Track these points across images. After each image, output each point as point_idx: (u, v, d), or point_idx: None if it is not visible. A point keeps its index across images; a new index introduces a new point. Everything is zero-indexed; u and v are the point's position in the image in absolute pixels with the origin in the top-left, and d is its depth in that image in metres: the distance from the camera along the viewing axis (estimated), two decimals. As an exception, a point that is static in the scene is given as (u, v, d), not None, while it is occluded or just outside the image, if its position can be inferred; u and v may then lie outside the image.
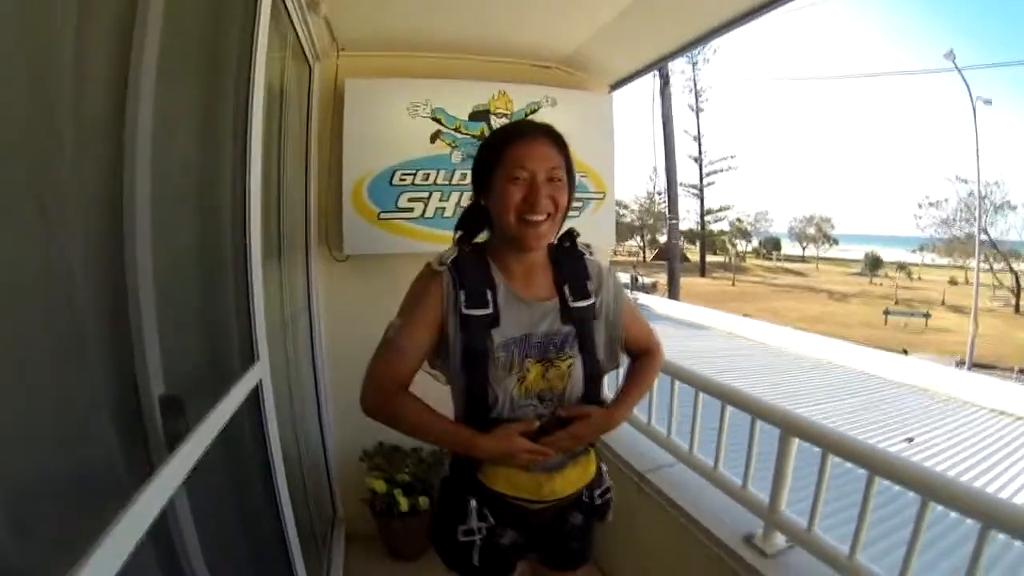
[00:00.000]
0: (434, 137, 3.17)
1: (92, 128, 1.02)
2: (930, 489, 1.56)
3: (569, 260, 1.64)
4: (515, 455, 1.50)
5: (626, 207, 52.35)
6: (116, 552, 0.78)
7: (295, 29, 2.50)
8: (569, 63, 3.50)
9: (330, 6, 2.58)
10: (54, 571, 0.70)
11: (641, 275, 29.75)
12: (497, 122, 3.24)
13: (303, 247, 3.14)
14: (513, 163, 1.44)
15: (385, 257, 3.15)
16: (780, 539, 2.08)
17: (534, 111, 3.33)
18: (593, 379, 1.60)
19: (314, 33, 2.78)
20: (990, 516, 1.43)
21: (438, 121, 3.16)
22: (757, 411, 2.15)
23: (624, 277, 26.47)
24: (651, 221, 50.96)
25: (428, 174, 3.17)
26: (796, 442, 2.01)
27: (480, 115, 3.24)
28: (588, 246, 1.69)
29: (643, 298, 12.88)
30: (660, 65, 3.39)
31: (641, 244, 55.52)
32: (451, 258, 1.51)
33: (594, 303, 1.61)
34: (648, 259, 52.27)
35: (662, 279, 29.23)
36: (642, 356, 1.79)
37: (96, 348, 1.02)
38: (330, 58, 3.14)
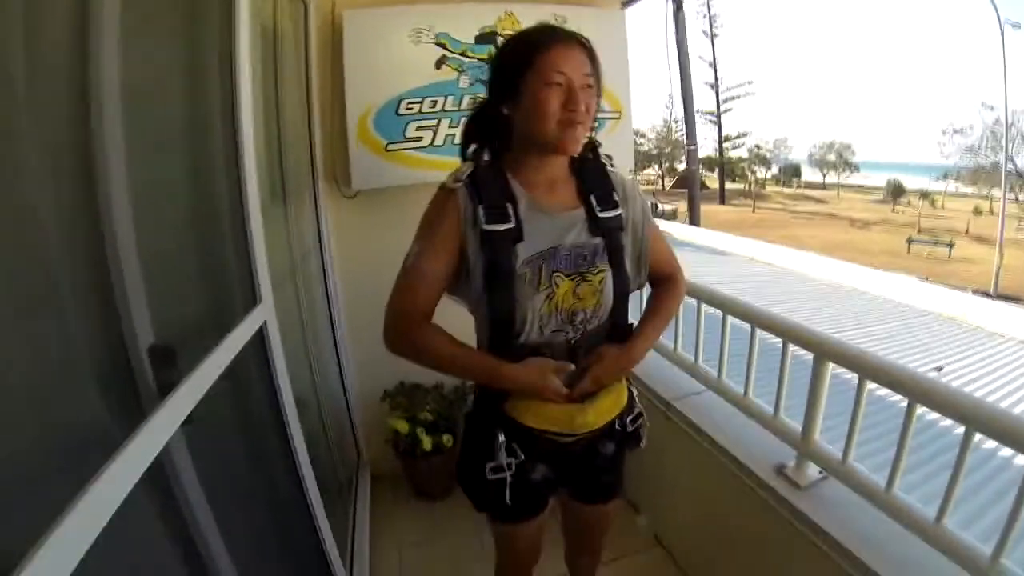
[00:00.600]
0: (439, 63, 3.02)
1: (57, 64, 0.96)
2: (974, 420, 1.46)
3: (593, 171, 1.55)
4: (545, 391, 1.43)
5: (643, 135, 51.81)
6: (105, 502, 0.75)
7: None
8: (578, -24, 3.30)
9: None
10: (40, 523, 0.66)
11: (661, 202, 29.47)
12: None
13: (310, 186, 3.06)
14: (551, 67, 1.34)
15: (396, 189, 3.04)
16: (813, 470, 2.01)
17: (543, 30, 3.14)
18: (622, 296, 1.53)
19: None
20: None
21: (443, 46, 3.01)
22: (789, 335, 2.05)
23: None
24: (668, 149, 50.39)
25: (435, 101, 3.05)
26: (831, 367, 1.91)
27: (487, 37, 3.08)
28: (610, 157, 1.60)
29: (663, 225, 12.78)
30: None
31: (660, 172, 55.00)
32: (467, 173, 1.42)
33: (621, 214, 1.52)
34: (667, 187, 51.81)
35: (682, 206, 28.92)
36: (664, 282, 1.70)
37: (74, 298, 0.97)
38: (325, -9, 2.99)
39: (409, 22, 2.98)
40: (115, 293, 1.01)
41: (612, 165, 1.58)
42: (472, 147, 1.51)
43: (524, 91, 1.36)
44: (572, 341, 1.48)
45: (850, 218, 42.81)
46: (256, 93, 1.92)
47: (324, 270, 3.16)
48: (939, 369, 4.34)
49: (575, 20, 3.17)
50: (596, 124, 3.02)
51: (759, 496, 2.07)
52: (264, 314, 1.62)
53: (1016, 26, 24.89)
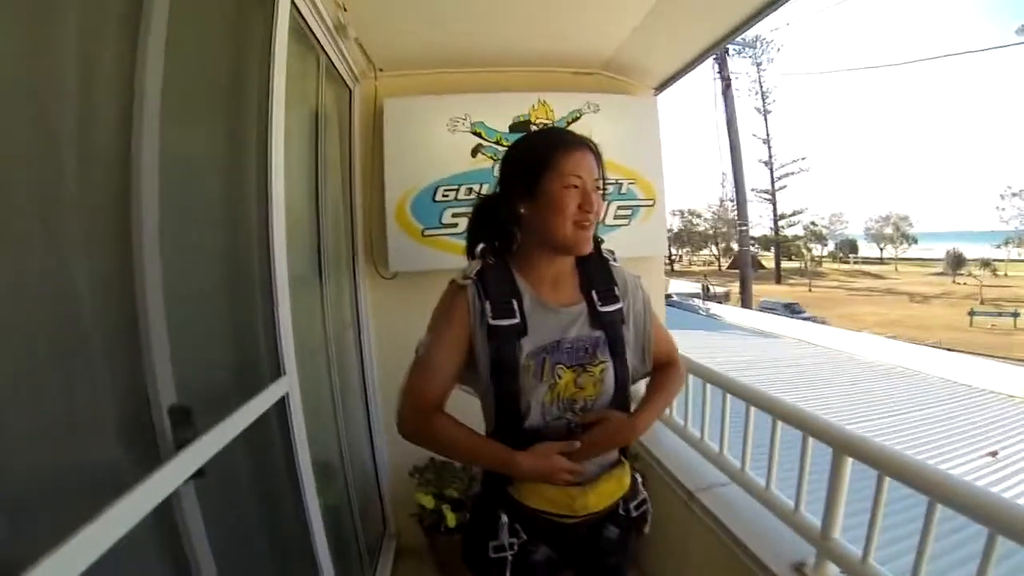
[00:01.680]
0: (475, 151, 3.17)
1: (103, 141, 1.08)
2: (998, 521, 1.41)
3: (595, 266, 1.62)
4: (555, 474, 1.48)
5: (699, 215, 51.86)
6: (103, 536, 0.82)
7: (327, 53, 2.56)
8: (609, 67, 3.46)
9: (359, 30, 2.64)
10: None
11: (713, 284, 29.22)
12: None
13: (349, 265, 3.20)
14: (569, 170, 1.44)
15: (432, 273, 3.10)
16: (832, 570, 1.95)
17: (576, 119, 3.30)
18: (623, 385, 1.58)
19: (349, 57, 2.85)
20: None
21: (478, 135, 3.17)
22: (808, 427, 2.04)
23: (696, 287, 26.13)
24: (724, 229, 50.13)
25: (471, 188, 3.18)
26: (850, 462, 1.88)
27: (521, 126, 3.22)
28: (612, 252, 1.67)
29: (714, 308, 12.70)
30: (700, 61, 3.30)
31: (716, 253, 54.72)
32: (475, 271, 1.51)
33: (622, 307, 1.59)
34: (723, 267, 51.45)
35: (735, 288, 28.63)
36: (665, 367, 1.75)
37: (104, 358, 1.08)
38: (369, 79, 3.20)
39: (446, 111, 3.15)
40: (143, 354, 1.11)
41: (615, 260, 1.66)
42: (480, 246, 1.60)
43: (542, 191, 1.45)
44: (573, 426, 1.53)
45: (909, 292, 41.86)
46: (296, 174, 2.05)
47: (360, 346, 3.26)
48: (994, 454, 4.17)
49: (608, 108, 3.30)
50: (629, 212, 3.10)
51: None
52: (286, 386, 1.71)
53: None
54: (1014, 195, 36.74)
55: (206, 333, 1.51)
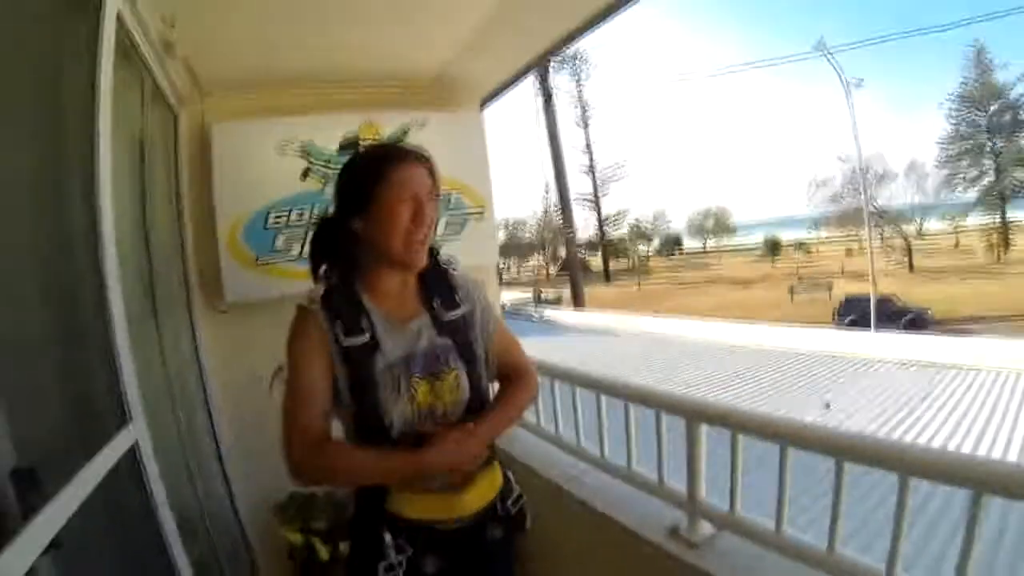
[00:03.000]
0: (305, 174, 3.10)
1: None
2: (843, 450, 1.58)
3: (434, 275, 1.64)
4: (465, 455, 1.49)
5: (524, 224, 53.07)
6: None
7: (152, 75, 2.42)
8: (436, 84, 3.49)
9: (187, 49, 2.50)
10: None
11: (544, 290, 29.99)
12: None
13: (183, 300, 3.03)
14: (402, 184, 1.45)
15: (270, 302, 2.98)
16: (705, 526, 2.06)
17: (404, 134, 3.30)
18: (478, 388, 1.60)
19: (175, 78, 2.71)
20: (907, 465, 1.46)
21: (308, 155, 3.10)
22: (661, 403, 2.15)
23: (527, 295, 26.69)
24: (551, 236, 51.52)
25: (302, 212, 3.11)
26: (704, 428, 2.01)
27: (350, 146, 3.19)
28: (452, 258, 1.70)
29: (548, 312, 13.03)
30: (523, 75, 3.42)
31: (543, 261, 56.12)
32: (320, 294, 1.50)
33: (464, 313, 1.62)
34: (552, 274, 52.76)
35: (566, 292, 29.47)
36: (512, 377, 1.75)
37: None
38: (195, 103, 3.05)
39: (276, 134, 3.07)
40: None
41: (454, 268, 1.68)
42: (322, 267, 1.59)
43: (375, 204, 1.45)
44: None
45: (733, 279, 44.73)
46: (121, 203, 1.93)
47: (203, 384, 3.09)
48: (827, 405, 4.56)
49: (435, 123, 3.36)
50: (461, 222, 3.16)
51: (659, 562, 2.09)
52: (136, 433, 1.60)
53: (859, 83, 27.53)
54: (821, 183, 40.98)
55: (40, 384, 1.39)
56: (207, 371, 3.12)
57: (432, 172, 1.53)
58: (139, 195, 2.45)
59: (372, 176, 1.47)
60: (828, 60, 27.11)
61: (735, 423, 1.88)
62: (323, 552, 2.96)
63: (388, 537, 1.52)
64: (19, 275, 1.36)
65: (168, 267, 2.81)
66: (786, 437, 1.72)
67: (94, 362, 1.58)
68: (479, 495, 1.61)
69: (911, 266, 37.26)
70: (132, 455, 1.59)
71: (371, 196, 1.46)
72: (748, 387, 5.21)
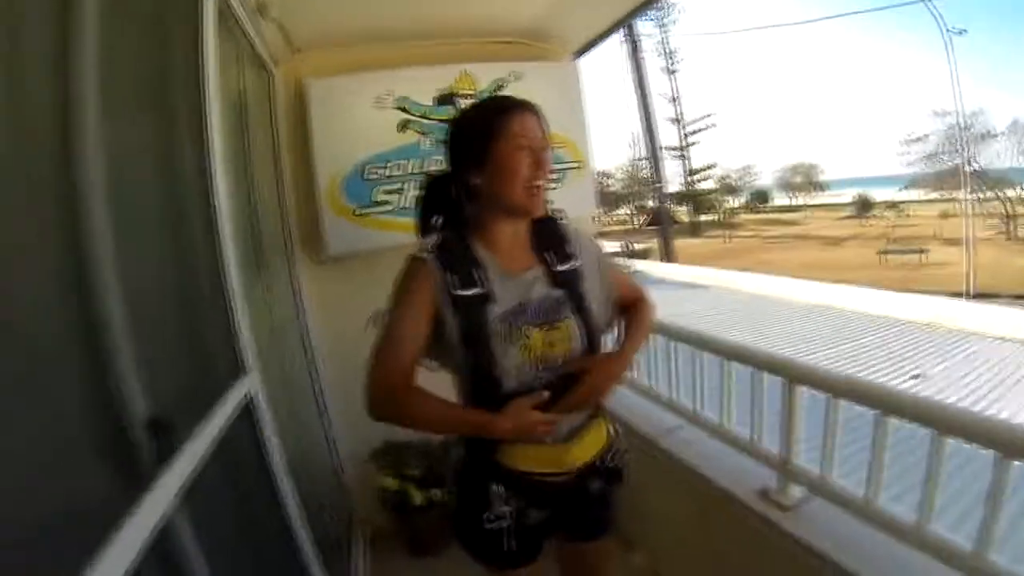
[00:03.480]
0: (402, 126, 3.13)
1: (42, 149, 1.02)
2: (941, 422, 1.53)
3: (546, 227, 1.65)
4: (532, 428, 1.49)
5: (611, 176, 52.27)
6: (116, 566, 0.80)
7: (248, 37, 2.47)
8: (529, 35, 3.46)
9: (280, 9, 2.54)
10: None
11: (633, 242, 29.50)
12: (463, 103, 3.19)
13: (284, 254, 3.13)
14: (519, 133, 1.45)
15: (368, 252, 3.12)
16: (796, 490, 2.05)
17: (500, 87, 3.29)
18: (592, 339, 1.60)
19: (268, 39, 2.75)
20: (1007, 444, 1.41)
21: (404, 110, 3.12)
22: (759, 363, 2.12)
23: (616, 246, 26.36)
24: (637, 188, 50.70)
25: (400, 164, 3.15)
26: (801, 390, 1.98)
27: (446, 99, 3.20)
28: (561, 211, 1.70)
29: (638, 264, 12.90)
30: (619, 27, 3.35)
31: (631, 212, 55.34)
32: (434, 243, 1.51)
33: (576, 265, 1.62)
34: (640, 226, 52.02)
35: (654, 244, 29.00)
36: (634, 305, 1.79)
37: (71, 378, 1.01)
38: (289, 62, 3.10)
39: (371, 88, 3.09)
40: (110, 367, 1.06)
41: (563, 219, 1.69)
42: (434, 218, 1.61)
43: (492, 157, 1.46)
44: (548, 384, 1.53)
45: (821, 237, 43.13)
46: (228, 165, 2.00)
47: (304, 334, 3.21)
48: (916, 376, 4.39)
49: (531, 75, 3.31)
50: (559, 176, 3.14)
51: (747, 522, 2.11)
52: (250, 383, 1.67)
53: (961, 32, 25.69)
54: (915, 140, 38.07)
55: (167, 338, 1.45)
56: (308, 321, 3.23)
57: (542, 121, 1.53)
58: (241, 154, 2.51)
59: (487, 129, 1.47)
60: (927, 7, 25.36)
61: (834, 388, 1.85)
62: (417, 497, 3.06)
63: (496, 488, 1.57)
64: (147, 237, 1.42)
65: (270, 222, 2.89)
66: (886, 405, 1.68)
67: (214, 316, 1.65)
68: (586, 450, 1.64)
69: (1010, 234, 34.75)
70: (247, 404, 1.67)
71: (488, 149, 1.47)
72: (835, 351, 5.05)
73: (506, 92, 3.22)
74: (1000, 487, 1.44)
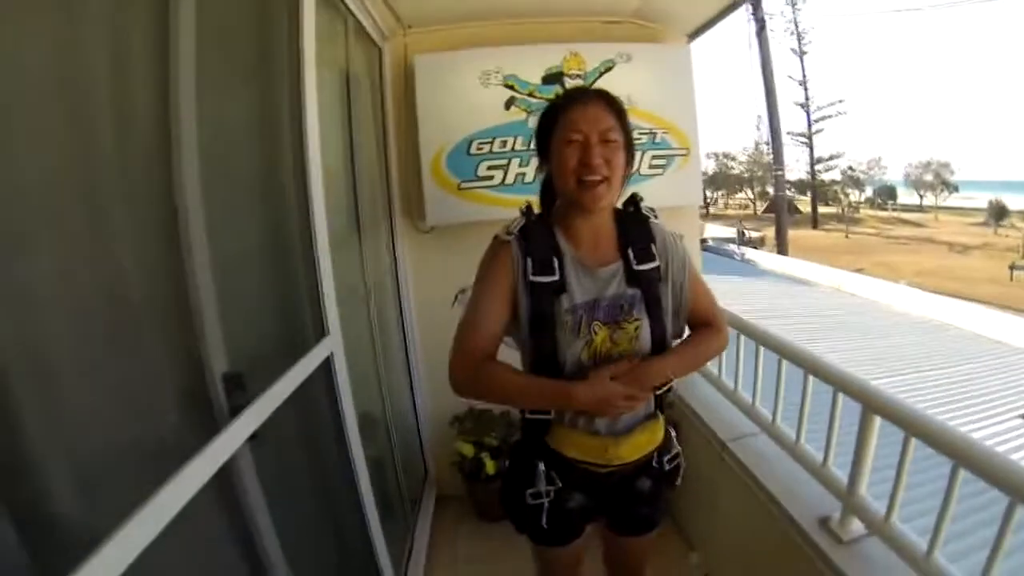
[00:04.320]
0: (509, 104, 3.16)
1: (142, 127, 1.12)
2: (1017, 488, 1.41)
3: (633, 224, 1.64)
4: (612, 399, 1.50)
5: (734, 159, 50.83)
6: (173, 500, 0.90)
7: (353, 14, 2.57)
8: (641, 15, 3.39)
9: None
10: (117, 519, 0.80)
11: (748, 228, 28.58)
12: (571, 83, 3.19)
13: (387, 220, 3.25)
14: (567, 127, 1.46)
15: (469, 225, 3.17)
16: (857, 525, 1.96)
17: (609, 69, 3.26)
18: (659, 342, 1.60)
19: (376, 16, 2.84)
20: None
21: (511, 88, 3.15)
22: (839, 383, 2.05)
23: (731, 232, 25.69)
24: (760, 172, 48.97)
25: (505, 141, 3.17)
26: (878, 420, 1.89)
27: (553, 78, 3.20)
28: (652, 210, 1.68)
29: (749, 253, 12.57)
30: (734, 8, 3.22)
31: (751, 197, 53.76)
32: (518, 227, 1.55)
33: (659, 266, 1.60)
34: (759, 212, 50.51)
35: (771, 232, 28.05)
36: (704, 326, 1.75)
37: (158, 333, 1.13)
38: (398, 37, 3.19)
39: (478, 65, 3.13)
40: (194, 324, 1.17)
41: (655, 217, 1.67)
42: (524, 205, 1.63)
43: (553, 150, 1.50)
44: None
45: (948, 243, 40.62)
46: (328, 135, 2.09)
47: (400, 299, 3.34)
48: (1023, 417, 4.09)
49: (639, 57, 3.25)
50: (664, 163, 3.11)
51: (801, 548, 2.05)
52: (331, 346, 1.77)
53: None
54: None
55: (252, 299, 1.57)
56: (405, 289, 3.36)
57: (616, 112, 1.51)
58: (346, 125, 2.62)
59: (548, 123, 1.52)
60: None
61: (911, 426, 1.72)
62: (490, 466, 3.15)
63: (541, 467, 1.62)
64: (236, 200, 1.53)
65: (373, 191, 3.01)
66: (960, 456, 1.56)
67: (300, 279, 1.76)
68: (635, 447, 1.65)
69: None
70: (327, 364, 1.78)
71: (548, 143, 1.51)
72: (935, 373, 4.79)
73: (615, 74, 3.24)
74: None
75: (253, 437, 1.21)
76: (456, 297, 1.64)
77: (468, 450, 3.21)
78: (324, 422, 1.88)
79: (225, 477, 1.19)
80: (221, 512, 1.24)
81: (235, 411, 1.18)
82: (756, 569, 2.46)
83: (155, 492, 0.85)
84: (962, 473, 1.57)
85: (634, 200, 1.66)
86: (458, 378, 1.55)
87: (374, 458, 2.15)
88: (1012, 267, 29.39)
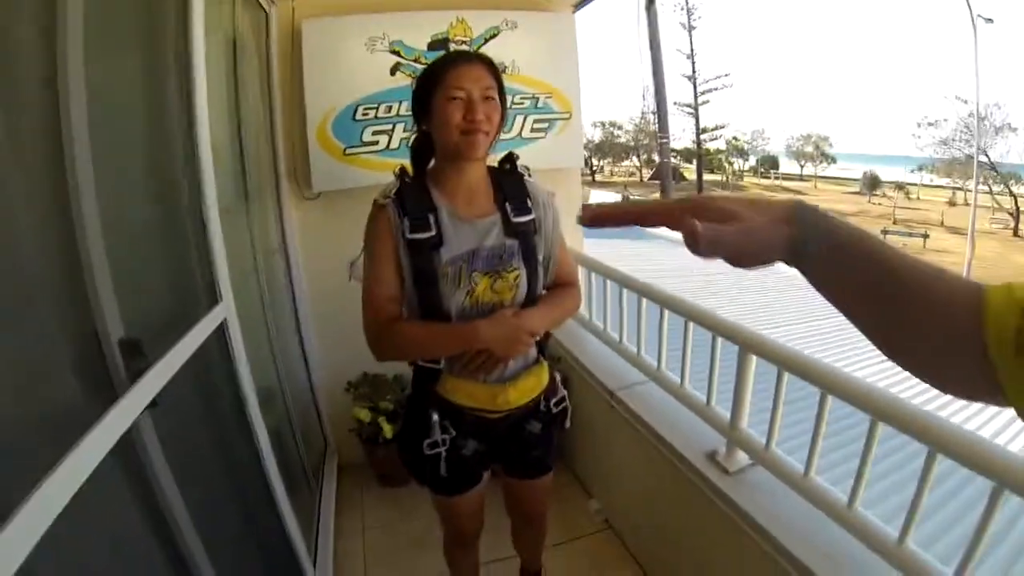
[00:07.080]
0: (394, 69, 3.15)
1: (26, 90, 1.08)
2: (878, 410, 1.59)
3: (510, 180, 1.73)
4: (515, 333, 1.60)
5: (620, 127, 51.67)
6: (77, 471, 0.89)
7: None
8: (528, -16, 3.43)
9: None
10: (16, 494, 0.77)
11: (634, 194, 29.13)
12: (456, 49, 3.20)
13: (273, 187, 3.19)
14: (451, 84, 1.53)
15: (356, 191, 3.14)
16: (742, 457, 2.15)
17: (494, 35, 3.30)
18: (534, 291, 1.72)
19: None
20: (934, 438, 1.45)
21: (397, 53, 3.14)
22: (717, 328, 2.19)
23: (616, 198, 26.14)
24: (646, 141, 49.95)
25: (390, 106, 3.18)
26: (754, 359, 2.05)
27: (439, 44, 3.21)
28: (527, 168, 1.77)
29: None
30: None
31: (637, 164, 54.76)
32: (394, 190, 1.62)
33: (535, 219, 1.71)
34: (645, 179, 51.51)
35: (657, 198, 28.49)
36: (564, 287, 1.86)
37: (50, 299, 1.11)
38: (285, 1, 3.11)
39: (365, 31, 3.11)
40: (88, 289, 1.15)
41: (529, 175, 1.76)
42: (398, 167, 1.70)
43: (434, 107, 1.56)
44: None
45: (826, 208, 42.58)
46: (216, 99, 2.05)
47: (288, 267, 3.30)
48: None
49: (525, 24, 3.31)
50: (546, 126, 3.17)
51: (693, 482, 2.22)
52: (224, 312, 1.76)
53: (989, 20, 25.10)
54: (930, 124, 37.33)
55: (144, 264, 1.55)
56: (294, 256, 3.32)
57: (494, 73, 1.60)
58: (232, 90, 2.57)
59: (428, 82, 1.58)
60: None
61: (783, 361, 1.91)
62: (388, 430, 3.19)
63: (435, 417, 1.71)
64: (126, 167, 1.50)
65: (259, 158, 2.95)
66: (826, 385, 1.74)
67: (191, 247, 1.74)
68: (523, 392, 1.76)
69: (1016, 230, 34.14)
70: (221, 332, 1.76)
71: (430, 101, 1.57)
72: (816, 325, 5.09)
73: (500, 40, 3.30)
74: (928, 474, 1.50)
75: (154, 405, 1.21)
76: (350, 272, 1.68)
77: (365, 415, 3.24)
78: (223, 390, 1.87)
79: (128, 446, 1.18)
80: (125, 485, 1.23)
81: (134, 377, 1.17)
82: (652, 508, 2.63)
83: (54, 467, 0.84)
84: (830, 401, 1.75)
85: (510, 158, 1.75)
86: (373, 345, 1.64)
87: (273, 429, 2.14)
88: (884, 232, 31.37)
